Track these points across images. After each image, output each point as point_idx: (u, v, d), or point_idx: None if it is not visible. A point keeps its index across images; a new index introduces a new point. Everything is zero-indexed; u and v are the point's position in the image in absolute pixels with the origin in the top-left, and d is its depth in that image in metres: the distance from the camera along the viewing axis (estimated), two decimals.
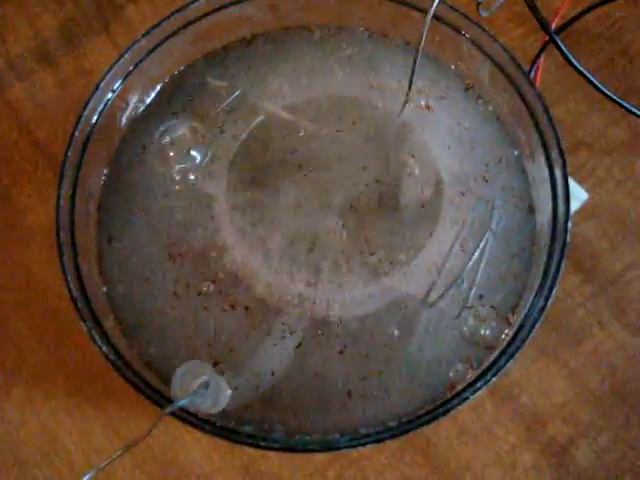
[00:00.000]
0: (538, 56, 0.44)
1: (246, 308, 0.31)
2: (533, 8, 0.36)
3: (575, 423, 0.43)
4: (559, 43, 0.37)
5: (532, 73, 0.44)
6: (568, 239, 0.28)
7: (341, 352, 0.31)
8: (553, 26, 0.44)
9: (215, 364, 0.30)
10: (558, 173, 0.29)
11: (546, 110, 0.29)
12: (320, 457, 0.43)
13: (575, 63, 0.38)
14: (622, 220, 0.46)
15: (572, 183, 0.43)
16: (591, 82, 0.39)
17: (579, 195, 0.43)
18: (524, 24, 0.49)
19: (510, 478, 0.42)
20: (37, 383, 0.45)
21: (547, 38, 0.43)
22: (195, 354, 0.31)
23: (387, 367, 0.31)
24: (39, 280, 0.46)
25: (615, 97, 0.40)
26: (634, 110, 0.41)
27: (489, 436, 0.43)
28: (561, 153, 0.29)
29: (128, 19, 0.51)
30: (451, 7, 0.31)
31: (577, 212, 0.43)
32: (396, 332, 0.31)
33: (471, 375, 0.29)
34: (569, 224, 0.28)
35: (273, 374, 0.31)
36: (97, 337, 0.28)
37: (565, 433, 0.43)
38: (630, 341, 0.44)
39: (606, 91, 0.39)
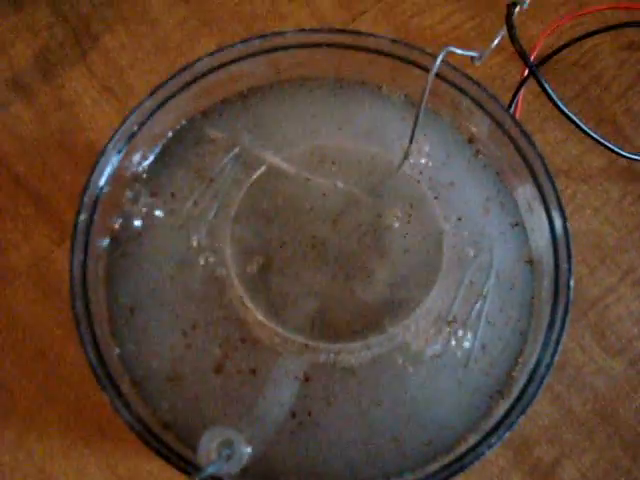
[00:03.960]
0: (518, 90, 0.45)
1: (253, 367, 0.32)
2: (521, 53, 0.37)
3: (560, 444, 0.45)
4: (540, 80, 0.38)
5: (512, 106, 0.45)
6: (571, 296, 0.29)
7: (345, 402, 0.32)
8: (532, 58, 0.46)
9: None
10: (559, 228, 0.30)
11: (545, 168, 0.30)
12: None
13: (555, 99, 0.39)
14: (599, 246, 0.47)
15: None
16: (568, 116, 0.40)
17: None
18: (502, 52, 0.50)
19: None
20: (29, 425, 0.44)
21: (526, 72, 0.44)
22: (210, 408, 0.31)
23: (394, 419, 0.31)
24: (25, 320, 0.45)
25: (588, 130, 0.41)
26: (606, 143, 0.43)
27: (480, 462, 0.44)
28: (561, 209, 0.30)
29: (105, 48, 0.51)
30: (451, 66, 0.32)
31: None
32: (399, 383, 0.32)
33: (482, 425, 0.30)
34: (571, 282, 0.29)
35: (284, 424, 0.32)
36: (120, 407, 0.28)
37: (551, 454, 0.44)
38: (610, 364, 0.46)
39: (581, 124, 0.41)
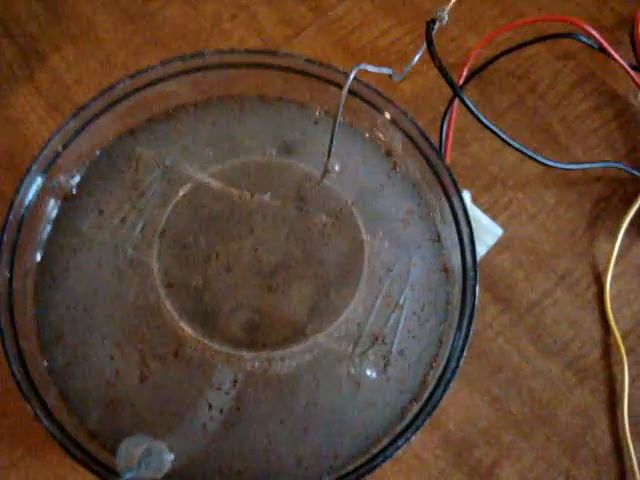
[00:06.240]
0: (448, 108, 0.46)
1: (181, 377, 0.33)
2: (441, 69, 0.38)
3: (499, 446, 0.46)
4: (466, 101, 0.40)
5: (446, 119, 0.47)
6: (476, 303, 0.30)
7: (269, 408, 0.33)
8: (465, 72, 0.47)
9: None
10: (466, 240, 0.32)
11: (454, 182, 0.31)
12: None
13: (481, 117, 0.40)
14: (535, 251, 0.49)
15: (488, 220, 0.46)
16: (495, 133, 0.41)
17: (494, 231, 0.46)
18: None
19: None
20: None
21: (453, 94, 0.45)
22: (136, 417, 0.32)
23: (314, 422, 0.33)
24: None
25: (516, 144, 0.42)
26: (532, 155, 0.44)
27: (420, 463, 0.45)
28: (468, 223, 0.31)
29: (53, 67, 0.52)
30: (365, 84, 0.33)
31: (493, 246, 0.46)
32: (322, 388, 0.33)
33: (395, 429, 0.32)
34: (477, 289, 0.30)
35: (205, 430, 0.33)
36: (42, 417, 0.29)
37: (490, 455, 0.46)
38: (546, 366, 0.47)
39: (508, 140, 0.41)
